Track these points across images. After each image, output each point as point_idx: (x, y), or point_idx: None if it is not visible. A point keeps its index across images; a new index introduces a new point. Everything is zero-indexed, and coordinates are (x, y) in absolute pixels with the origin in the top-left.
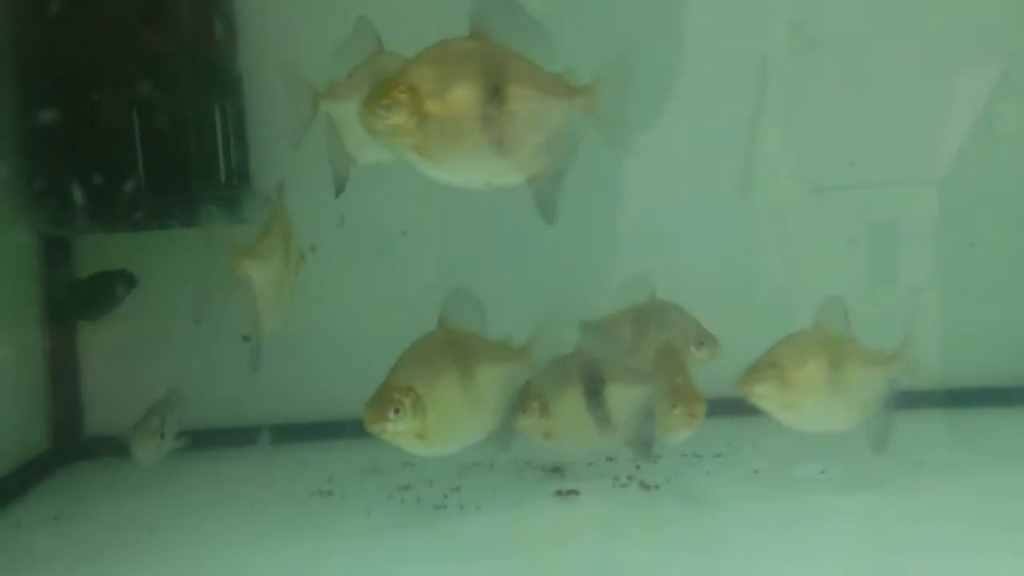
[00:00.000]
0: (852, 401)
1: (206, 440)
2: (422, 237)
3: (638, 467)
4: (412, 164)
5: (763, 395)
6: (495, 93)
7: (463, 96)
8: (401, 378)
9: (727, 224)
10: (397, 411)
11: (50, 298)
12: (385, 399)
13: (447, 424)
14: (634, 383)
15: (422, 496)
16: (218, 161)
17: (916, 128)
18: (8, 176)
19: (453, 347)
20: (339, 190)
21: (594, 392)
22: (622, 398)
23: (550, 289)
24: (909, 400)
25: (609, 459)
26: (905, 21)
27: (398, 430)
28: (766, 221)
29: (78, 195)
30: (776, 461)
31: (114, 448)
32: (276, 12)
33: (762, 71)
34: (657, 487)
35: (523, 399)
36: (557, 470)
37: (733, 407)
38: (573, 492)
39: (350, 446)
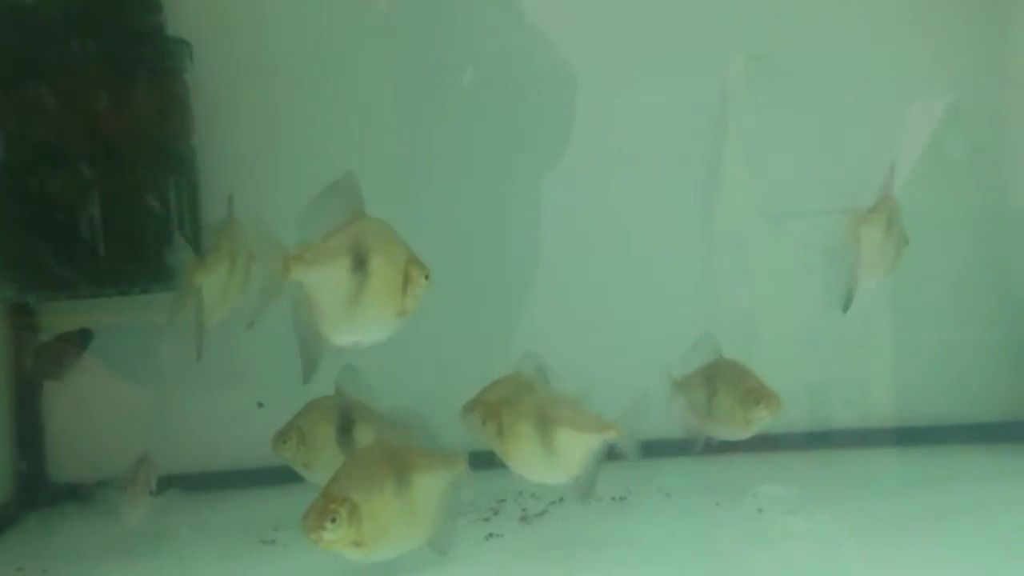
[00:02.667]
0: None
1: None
2: None
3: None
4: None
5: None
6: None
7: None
8: (339, 488)
9: (688, 251)
10: (334, 520)
11: (16, 360)
12: (322, 509)
13: (383, 532)
14: (587, 428)
15: None
16: (172, 231)
17: (869, 157)
18: None
19: (390, 458)
20: (308, 376)
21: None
22: (574, 441)
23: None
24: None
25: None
26: (858, 53)
27: (334, 538)
28: (727, 247)
29: (42, 265)
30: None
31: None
32: (229, 91)
33: (722, 102)
34: (623, 498)
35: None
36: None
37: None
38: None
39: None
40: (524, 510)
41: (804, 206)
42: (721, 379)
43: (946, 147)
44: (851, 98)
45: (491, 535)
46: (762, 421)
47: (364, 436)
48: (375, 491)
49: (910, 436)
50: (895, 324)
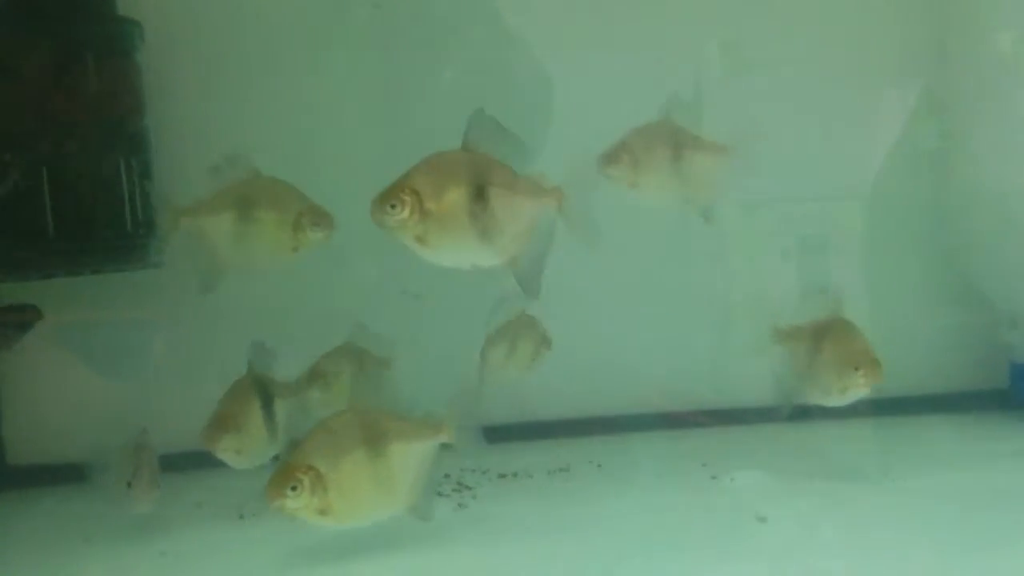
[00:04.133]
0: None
1: None
2: None
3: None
4: (414, 251)
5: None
6: (479, 194)
7: (455, 197)
8: (302, 456)
9: (666, 236)
10: (295, 488)
11: None
12: (283, 476)
13: (351, 500)
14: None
15: None
16: (124, 211)
17: (843, 145)
18: None
19: (362, 425)
20: (207, 289)
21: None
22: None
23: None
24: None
25: None
26: (832, 40)
27: (296, 506)
28: (703, 233)
29: None
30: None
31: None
32: (181, 68)
33: (696, 90)
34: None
35: None
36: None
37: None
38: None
39: None
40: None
41: (780, 193)
42: (830, 338)
43: (916, 135)
44: (825, 85)
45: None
46: (859, 390)
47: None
48: (342, 459)
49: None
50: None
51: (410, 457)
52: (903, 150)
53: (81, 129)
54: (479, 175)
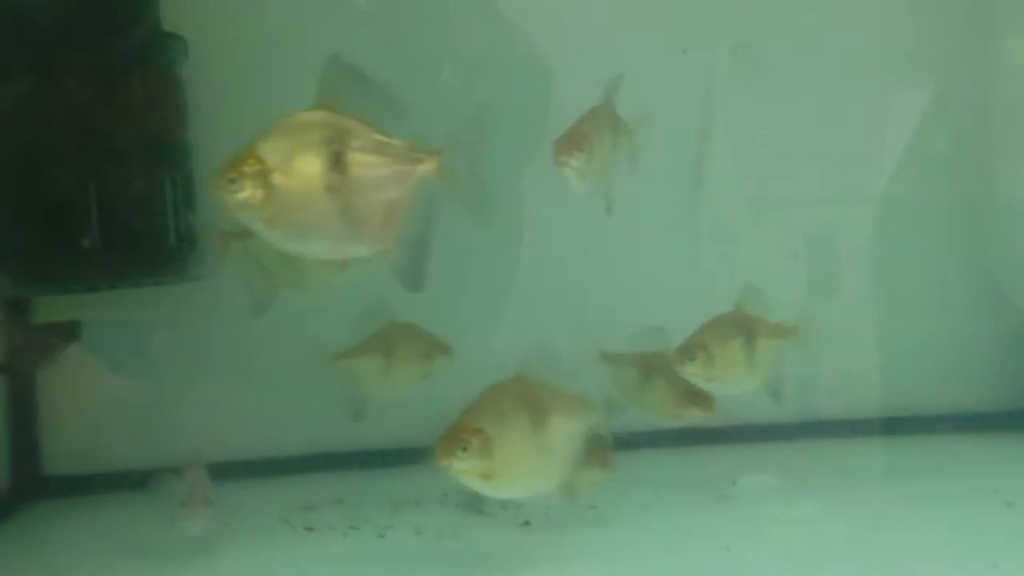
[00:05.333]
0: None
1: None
2: None
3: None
4: (266, 238)
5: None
6: (337, 162)
7: (306, 167)
8: (472, 419)
9: (675, 239)
10: (465, 449)
11: (10, 349)
12: (454, 437)
13: (514, 468)
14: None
15: None
16: (167, 225)
17: (854, 147)
18: None
19: (528, 395)
20: (260, 310)
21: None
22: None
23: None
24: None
25: None
26: (844, 43)
27: (464, 468)
28: (712, 236)
29: (36, 259)
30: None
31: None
32: (225, 85)
33: (707, 92)
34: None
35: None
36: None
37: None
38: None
39: None
40: None
41: (790, 195)
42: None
43: (931, 137)
44: (837, 87)
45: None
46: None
47: None
48: (509, 425)
49: (895, 426)
50: (880, 314)
51: (568, 433)
52: (915, 153)
53: (125, 143)
54: (336, 139)
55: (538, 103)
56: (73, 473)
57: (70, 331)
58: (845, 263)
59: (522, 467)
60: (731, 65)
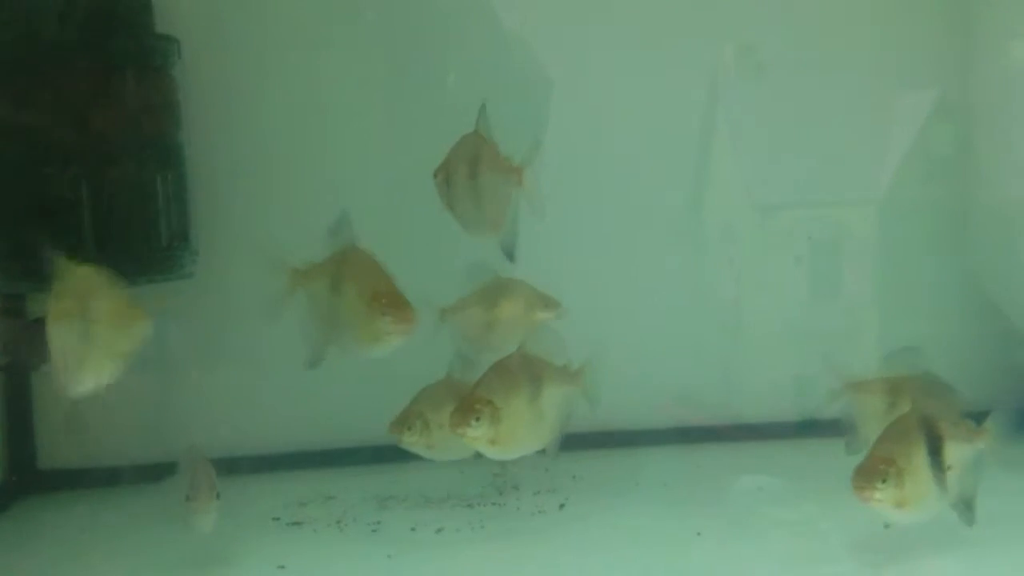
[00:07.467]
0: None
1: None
2: None
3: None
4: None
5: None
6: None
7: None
8: (484, 391)
9: (678, 241)
10: (478, 419)
11: (5, 343)
12: (468, 409)
13: (515, 433)
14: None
15: None
16: (159, 224)
17: (857, 150)
18: None
19: (527, 368)
20: (314, 364)
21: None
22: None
23: None
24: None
25: None
26: (847, 46)
27: (476, 435)
28: (716, 239)
29: (31, 255)
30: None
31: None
32: (217, 83)
33: (712, 93)
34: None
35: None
36: None
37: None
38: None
39: None
40: None
41: (793, 198)
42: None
43: (931, 141)
44: (840, 90)
45: None
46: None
47: None
48: (513, 396)
49: None
50: (880, 316)
51: (559, 399)
52: (917, 157)
53: (118, 143)
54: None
55: (537, 112)
56: (68, 467)
57: None
58: (847, 265)
59: (522, 432)
60: (735, 67)
